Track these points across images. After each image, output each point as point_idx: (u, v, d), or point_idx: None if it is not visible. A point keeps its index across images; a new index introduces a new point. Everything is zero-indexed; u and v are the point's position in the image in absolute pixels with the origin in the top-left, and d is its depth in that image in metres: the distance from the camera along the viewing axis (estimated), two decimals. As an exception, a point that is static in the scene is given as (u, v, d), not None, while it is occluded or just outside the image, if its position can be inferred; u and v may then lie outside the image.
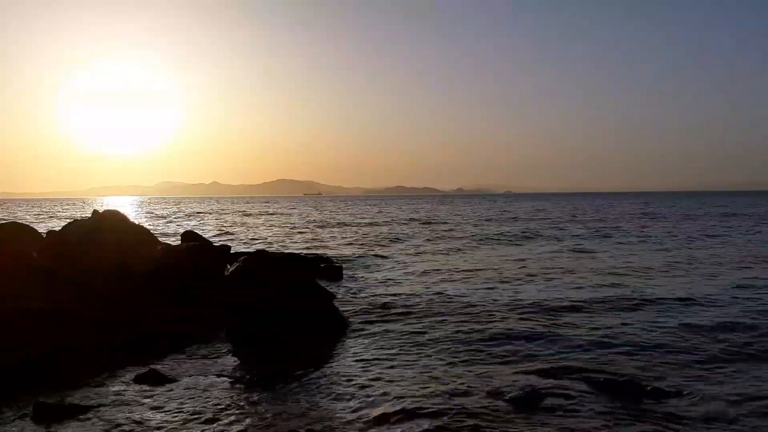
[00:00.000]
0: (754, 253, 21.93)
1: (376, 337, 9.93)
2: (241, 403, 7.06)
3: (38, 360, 8.14)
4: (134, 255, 12.08)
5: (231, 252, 14.21)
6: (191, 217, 60.26)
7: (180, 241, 15.25)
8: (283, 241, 30.54)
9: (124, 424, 6.38)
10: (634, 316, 11.12)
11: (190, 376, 8.04)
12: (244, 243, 28.71)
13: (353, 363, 8.58)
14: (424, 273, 18.03)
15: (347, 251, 24.52)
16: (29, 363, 8.03)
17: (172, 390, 7.48)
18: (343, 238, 32.48)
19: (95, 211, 13.20)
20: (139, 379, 7.77)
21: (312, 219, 54.43)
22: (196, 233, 16.18)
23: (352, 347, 9.44)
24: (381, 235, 33.78)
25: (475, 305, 12.37)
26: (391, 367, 8.31)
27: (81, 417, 6.56)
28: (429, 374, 7.92)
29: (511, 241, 29.49)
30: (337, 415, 6.63)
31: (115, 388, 7.54)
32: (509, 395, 7.02)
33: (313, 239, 31.93)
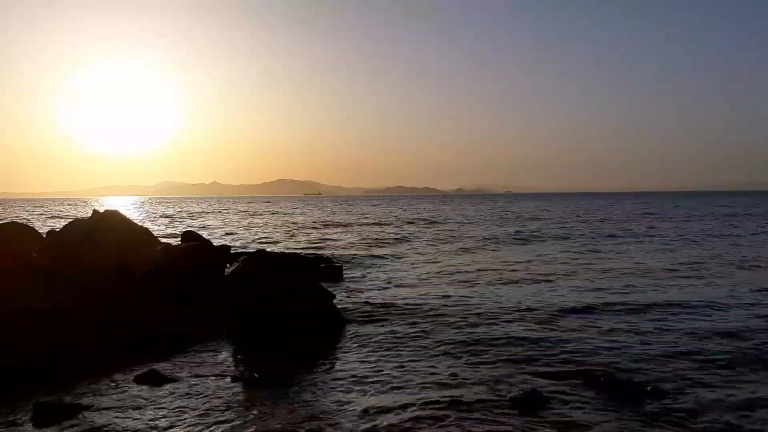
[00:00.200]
0: (763, 254, 21.68)
1: (377, 338, 9.92)
2: (242, 403, 7.05)
3: (38, 360, 8.14)
4: (134, 255, 12.07)
5: (231, 252, 14.22)
6: (194, 217, 60.21)
7: (180, 241, 15.25)
8: (285, 241, 30.47)
9: (124, 425, 6.37)
10: (639, 319, 10.96)
11: (190, 376, 8.04)
12: (249, 243, 28.55)
13: (353, 363, 8.57)
14: (427, 273, 17.93)
15: (349, 251, 24.47)
16: (29, 363, 8.02)
17: (172, 390, 7.47)
18: (345, 238, 32.38)
19: (95, 211, 13.20)
20: (139, 379, 7.76)
21: (314, 219, 54.37)
22: (196, 233, 16.18)
23: (352, 347, 9.44)
24: (383, 236, 33.67)
25: (479, 307, 12.29)
26: (392, 367, 8.30)
27: (81, 417, 6.55)
28: (430, 375, 7.91)
29: (516, 241, 29.14)
30: (338, 415, 6.62)
31: (115, 389, 7.53)
32: (510, 395, 7.01)
33: (315, 239, 31.86)
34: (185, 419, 6.51)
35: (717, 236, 30.45)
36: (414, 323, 10.92)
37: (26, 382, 7.68)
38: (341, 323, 10.90)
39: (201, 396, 7.27)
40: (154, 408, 6.86)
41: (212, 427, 6.30)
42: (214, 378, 8.00)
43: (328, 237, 33.36)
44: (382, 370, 8.15)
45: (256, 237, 33.18)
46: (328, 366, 8.54)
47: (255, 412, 6.78)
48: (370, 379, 7.79)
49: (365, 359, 8.72)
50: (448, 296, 13.69)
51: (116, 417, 6.58)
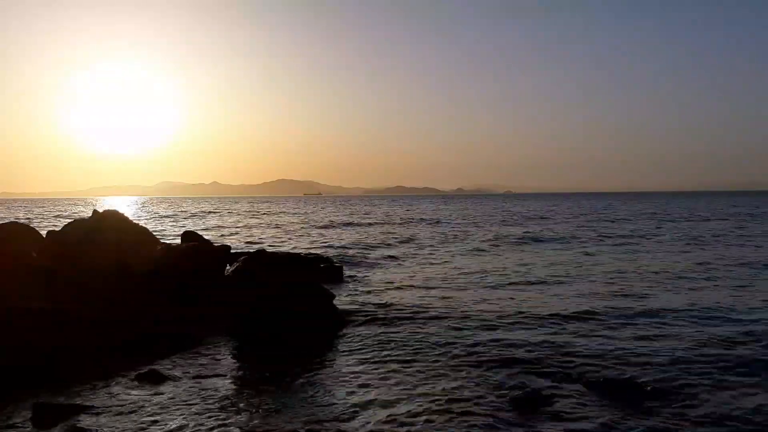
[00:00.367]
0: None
1: (377, 338, 9.91)
2: (242, 403, 7.05)
3: (38, 360, 8.14)
4: (134, 255, 12.06)
5: (231, 252, 14.20)
6: (197, 217, 60.12)
7: (180, 241, 15.24)
8: (286, 241, 30.43)
9: (123, 425, 6.37)
10: (643, 322, 10.74)
11: (190, 377, 8.03)
12: (250, 243, 28.46)
13: (353, 363, 8.57)
14: (428, 274, 17.80)
15: (349, 251, 24.41)
16: (29, 363, 8.02)
17: (172, 390, 7.48)
18: (346, 238, 32.28)
19: (95, 211, 13.19)
20: (139, 379, 7.77)
21: (315, 219, 54.28)
22: (196, 233, 16.17)
23: (352, 347, 9.43)
24: (384, 236, 33.56)
25: (480, 308, 12.23)
26: (392, 367, 8.29)
27: (81, 417, 6.55)
28: (430, 375, 7.91)
29: (521, 243, 28.63)
30: (337, 415, 6.62)
31: (115, 389, 7.54)
32: (510, 396, 7.01)
33: (315, 239, 31.82)
34: (185, 419, 6.51)
35: (725, 237, 29.87)
36: (414, 324, 10.90)
37: (26, 382, 7.68)
38: (341, 323, 10.90)
39: (201, 396, 7.27)
40: (154, 408, 6.86)
41: (212, 427, 6.29)
42: (214, 378, 8.00)
43: (329, 237, 33.33)
44: (382, 371, 8.15)
45: (258, 237, 33.16)
46: (328, 366, 8.54)
47: (255, 412, 6.79)
48: (370, 379, 7.79)
49: (365, 359, 8.72)
50: (450, 297, 13.65)
51: (116, 417, 6.58)
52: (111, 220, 12.96)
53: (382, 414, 6.60)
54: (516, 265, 19.89)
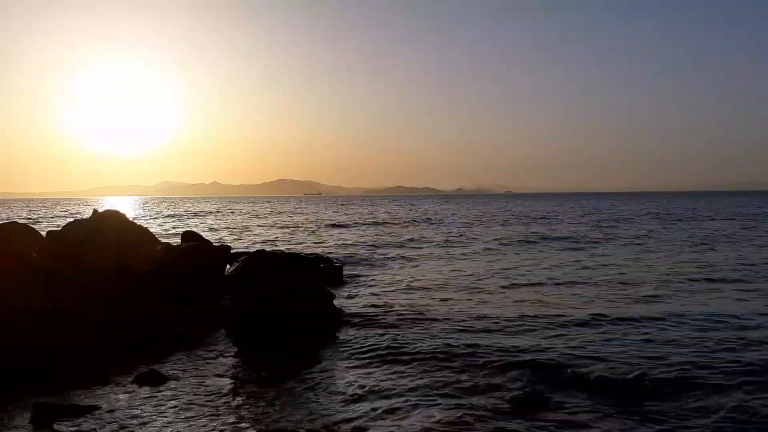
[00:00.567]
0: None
1: (377, 338, 9.87)
2: (241, 403, 7.05)
3: (38, 360, 8.13)
4: (134, 255, 12.07)
5: (231, 252, 14.21)
6: (198, 217, 60.07)
7: (180, 241, 15.24)
8: (289, 241, 30.32)
9: (124, 425, 6.37)
10: (650, 325, 10.42)
11: (190, 377, 8.04)
12: (253, 243, 28.37)
13: (353, 363, 8.57)
14: (429, 276, 17.57)
15: (350, 251, 24.36)
16: (29, 363, 8.02)
17: (172, 390, 7.48)
18: (346, 238, 32.19)
19: (95, 211, 13.20)
20: (139, 380, 7.76)
21: (316, 219, 54.18)
22: (196, 233, 16.18)
23: (352, 348, 9.41)
24: (385, 236, 33.44)
25: (482, 310, 12.08)
26: (392, 368, 8.29)
27: (80, 417, 6.55)
28: (429, 375, 7.90)
29: (526, 244, 27.78)
30: (337, 415, 6.62)
31: (115, 389, 7.54)
32: (510, 396, 7.01)
33: (316, 239, 31.78)
34: (185, 419, 6.51)
35: (733, 237, 29.28)
36: (415, 324, 10.86)
37: (26, 382, 7.68)
38: (341, 323, 10.89)
39: (201, 396, 7.27)
40: (154, 408, 6.86)
41: (213, 427, 6.29)
42: (214, 378, 8.00)
43: (330, 237, 33.26)
44: (382, 371, 8.14)
45: (259, 237, 33.18)
46: (328, 366, 8.54)
47: (255, 412, 6.79)
48: (370, 380, 7.78)
49: (365, 360, 8.71)
50: (451, 298, 13.55)
51: (116, 417, 6.58)
52: (111, 220, 12.97)
53: (382, 414, 6.60)
54: (520, 266, 19.47)
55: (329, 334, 10.29)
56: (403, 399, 7.02)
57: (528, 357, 8.55)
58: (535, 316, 11.32)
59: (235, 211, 78.82)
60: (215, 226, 43.35)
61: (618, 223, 44.05)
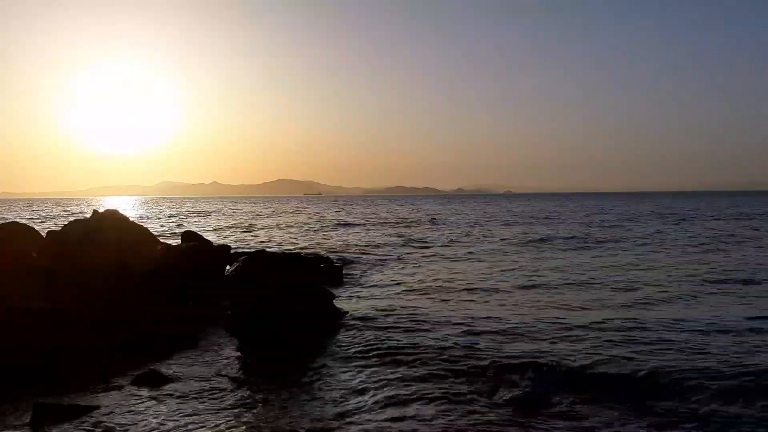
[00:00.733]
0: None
1: (376, 339, 9.84)
2: (241, 403, 7.05)
3: (38, 360, 8.14)
4: (134, 255, 12.08)
5: (231, 252, 14.22)
6: (199, 217, 60.03)
7: (180, 241, 15.25)
8: (291, 241, 30.26)
9: (123, 425, 6.37)
10: (655, 329, 10.09)
11: (190, 377, 8.03)
12: (255, 243, 28.37)
13: (353, 363, 8.56)
14: (431, 276, 17.32)
15: (351, 252, 24.31)
16: (29, 363, 8.02)
17: (172, 390, 7.47)
18: (347, 238, 32.12)
19: (95, 211, 13.21)
20: (138, 380, 7.76)
21: (319, 219, 54.12)
22: (196, 233, 16.19)
23: (352, 348, 9.40)
24: (386, 236, 33.28)
25: (484, 312, 11.94)
26: (391, 368, 8.28)
27: (80, 417, 6.54)
28: (429, 376, 7.88)
29: (531, 244, 27.11)
30: (337, 415, 6.62)
31: (115, 389, 7.53)
32: (510, 396, 7.01)
33: (317, 239, 31.68)
34: (185, 419, 6.51)
35: (743, 238, 28.71)
36: (415, 325, 10.77)
37: (26, 382, 7.67)
38: (341, 323, 10.89)
39: (201, 396, 7.27)
40: (154, 408, 6.86)
41: (212, 427, 6.29)
42: (214, 378, 8.00)
43: (332, 237, 33.21)
44: (382, 371, 8.13)
45: (260, 237, 33.17)
46: (328, 366, 8.53)
47: (255, 412, 6.79)
48: (369, 380, 7.77)
49: (365, 360, 8.70)
50: (453, 300, 13.43)
51: (116, 417, 6.58)
52: (111, 220, 12.98)
53: (382, 414, 6.60)
54: (526, 267, 19.03)
55: (329, 334, 10.28)
56: (403, 399, 7.02)
57: (529, 359, 8.43)
58: (539, 318, 11.15)
59: (236, 211, 78.82)
60: (216, 226, 43.36)
61: (623, 223, 43.53)
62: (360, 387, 7.51)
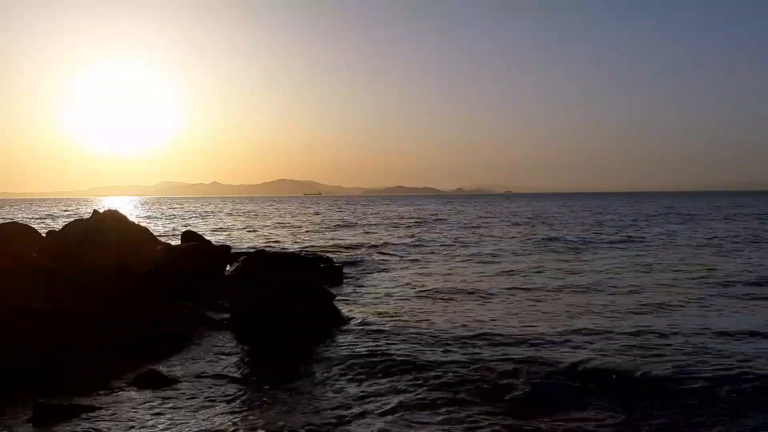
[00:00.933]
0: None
1: (376, 339, 9.84)
2: (241, 404, 7.05)
3: (38, 360, 8.14)
4: (134, 255, 12.07)
5: (231, 252, 14.23)
6: (200, 217, 59.98)
7: (180, 241, 15.26)
8: (292, 241, 30.19)
9: (123, 425, 6.37)
10: (661, 334, 9.85)
11: (190, 377, 8.03)
12: (256, 243, 28.33)
13: (353, 364, 8.54)
14: (432, 277, 17.15)
15: (351, 252, 24.29)
16: (29, 363, 8.02)
17: (171, 390, 7.47)
18: (351, 238, 31.95)
19: (95, 211, 13.22)
20: (139, 380, 7.75)
21: (321, 219, 54.04)
22: (196, 233, 16.19)
23: (351, 348, 9.39)
24: (387, 236, 33.15)
25: (486, 314, 11.77)
26: (391, 368, 8.26)
27: (80, 418, 6.54)
28: (429, 376, 7.86)
29: (536, 246, 26.27)
30: (337, 415, 6.62)
31: (115, 389, 7.53)
32: (510, 396, 7.00)
33: (318, 239, 31.63)
34: (185, 419, 6.51)
35: (760, 238, 28.18)
36: (415, 326, 10.71)
37: (26, 382, 7.68)
38: (341, 324, 10.89)
39: (200, 396, 7.27)
40: (154, 408, 6.86)
41: (212, 427, 6.29)
42: (213, 378, 8.00)
43: (333, 237, 33.13)
44: (382, 371, 8.12)
45: (262, 237, 33.17)
46: (327, 366, 8.51)
47: (255, 412, 6.79)
48: (369, 380, 7.77)
49: (365, 360, 8.67)
50: (454, 301, 13.26)
51: (116, 418, 6.58)
52: (111, 220, 12.98)
53: (382, 414, 6.60)
54: (530, 270, 18.45)
55: (329, 334, 10.28)
56: (403, 400, 7.01)
57: (530, 361, 8.34)
58: (544, 322, 10.97)
59: (237, 210, 78.83)
60: (216, 226, 43.36)
61: (633, 223, 43.01)
62: (359, 388, 7.51)
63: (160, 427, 6.33)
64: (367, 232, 36.84)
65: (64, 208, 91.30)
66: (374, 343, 9.51)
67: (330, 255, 20.95)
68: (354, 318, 11.37)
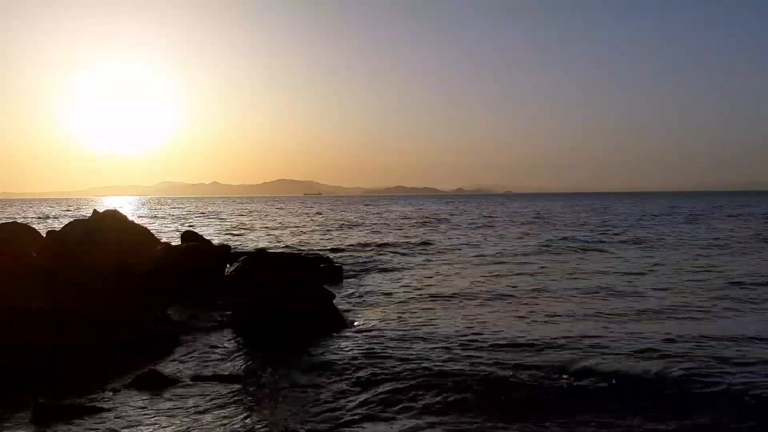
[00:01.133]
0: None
1: (376, 339, 9.81)
2: (241, 403, 7.05)
3: (38, 360, 8.14)
4: (134, 255, 12.08)
5: (231, 252, 14.23)
6: (200, 217, 59.88)
7: (180, 241, 15.26)
8: (293, 241, 30.10)
9: (123, 425, 6.37)
10: (664, 337, 9.53)
11: (189, 377, 8.03)
12: (257, 243, 28.12)
13: (353, 364, 8.53)
14: (433, 278, 17.01)
15: (355, 252, 24.15)
16: (29, 363, 8.03)
17: (171, 390, 7.47)
18: (352, 239, 31.78)
19: (95, 211, 13.23)
20: (139, 380, 7.75)
21: (322, 219, 53.93)
22: (196, 233, 16.19)
23: (352, 348, 9.38)
24: (387, 236, 33.04)
25: (487, 316, 11.65)
26: (391, 369, 8.26)
27: (80, 418, 6.55)
28: (429, 377, 7.84)
29: (541, 247, 25.34)
30: (337, 416, 6.62)
31: (115, 389, 7.53)
32: (514, 400, 6.99)
33: (319, 239, 31.56)
34: (185, 419, 6.51)
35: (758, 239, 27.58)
36: (415, 326, 10.70)
37: (26, 382, 7.68)
38: (341, 324, 10.88)
39: (201, 396, 7.27)
40: (154, 408, 6.86)
41: (212, 428, 6.29)
42: (213, 378, 8.00)
43: (334, 237, 33.03)
44: (382, 372, 8.10)
45: (263, 237, 33.16)
46: (327, 366, 8.50)
47: (254, 412, 6.79)
48: (369, 381, 7.76)
49: (365, 360, 8.67)
50: (455, 302, 13.12)
51: (116, 418, 6.58)
52: (111, 220, 12.99)
53: (382, 414, 6.60)
54: (536, 272, 17.96)
55: (329, 334, 10.27)
56: (402, 401, 7.01)
57: (531, 362, 8.29)
58: (547, 323, 10.87)
59: (236, 210, 78.81)
60: (216, 226, 43.35)
61: (637, 222, 42.64)
62: (359, 389, 7.49)
63: (160, 426, 6.33)
64: (370, 232, 36.70)
65: (64, 208, 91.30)
66: (374, 344, 9.48)
67: (332, 255, 20.94)
68: (355, 318, 11.38)
